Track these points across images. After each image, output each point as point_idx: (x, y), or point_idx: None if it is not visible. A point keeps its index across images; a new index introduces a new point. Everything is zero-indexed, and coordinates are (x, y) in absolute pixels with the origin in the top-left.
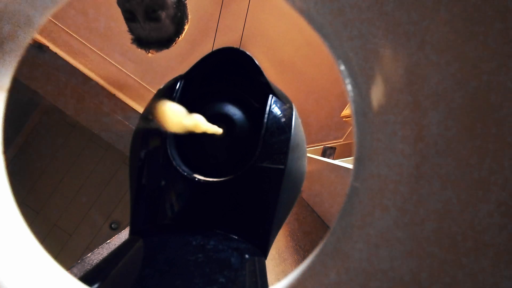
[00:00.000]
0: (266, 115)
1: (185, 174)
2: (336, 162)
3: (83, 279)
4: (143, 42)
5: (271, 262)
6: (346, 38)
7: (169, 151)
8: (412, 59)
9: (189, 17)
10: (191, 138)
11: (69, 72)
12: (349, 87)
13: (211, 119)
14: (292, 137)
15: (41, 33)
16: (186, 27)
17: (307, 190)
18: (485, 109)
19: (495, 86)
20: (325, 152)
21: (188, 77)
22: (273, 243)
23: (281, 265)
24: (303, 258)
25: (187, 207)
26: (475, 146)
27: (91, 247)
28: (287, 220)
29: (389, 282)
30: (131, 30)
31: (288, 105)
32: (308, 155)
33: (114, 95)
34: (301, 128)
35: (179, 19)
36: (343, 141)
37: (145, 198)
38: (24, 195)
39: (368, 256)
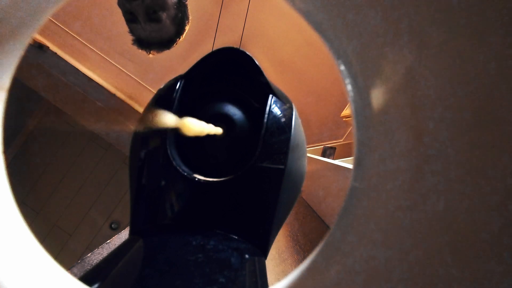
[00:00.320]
0: (266, 115)
1: (185, 174)
2: (336, 162)
3: (83, 279)
4: (144, 43)
5: (271, 262)
6: (346, 38)
7: (169, 151)
8: (412, 59)
9: (190, 17)
10: (191, 138)
11: (69, 72)
12: (349, 87)
13: (211, 119)
14: (292, 137)
15: (41, 33)
16: (186, 28)
17: (307, 190)
18: (486, 109)
19: (496, 86)
20: (325, 152)
21: (188, 77)
22: (273, 243)
23: (281, 265)
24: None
25: (187, 207)
26: (476, 146)
27: (91, 247)
28: (287, 220)
29: (389, 282)
30: (131, 31)
31: (288, 105)
32: (308, 155)
33: (114, 95)
34: (301, 128)
35: (180, 20)
36: (343, 141)
37: (145, 198)
38: (24, 195)
39: (368, 256)
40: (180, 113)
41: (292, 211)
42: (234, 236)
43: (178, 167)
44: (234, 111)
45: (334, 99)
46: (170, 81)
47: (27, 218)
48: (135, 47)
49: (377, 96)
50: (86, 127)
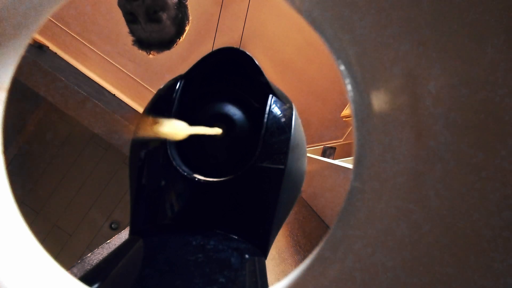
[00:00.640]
0: (266, 115)
1: (185, 174)
2: (336, 162)
3: (83, 279)
4: (144, 43)
5: (271, 262)
6: (346, 38)
7: (169, 151)
8: (412, 59)
9: (190, 18)
10: (191, 138)
11: (69, 72)
12: (349, 87)
13: (211, 119)
14: (292, 137)
15: (41, 33)
16: (187, 28)
17: (307, 190)
18: (486, 109)
19: (496, 86)
20: (325, 152)
21: (188, 77)
22: (273, 243)
23: (281, 265)
24: (303, 258)
25: (187, 207)
26: (476, 146)
27: (91, 247)
28: (287, 220)
29: (390, 282)
30: (132, 32)
31: (288, 105)
32: (308, 155)
33: (114, 95)
34: (301, 128)
35: (180, 20)
36: (343, 141)
37: (145, 198)
38: (24, 195)
39: (368, 256)
40: (180, 114)
41: (292, 211)
42: (234, 236)
43: (178, 167)
44: (234, 111)
45: (334, 99)
46: (170, 81)
47: (27, 218)
48: (135, 47)
49: (377, 96)
50: (86, 127)
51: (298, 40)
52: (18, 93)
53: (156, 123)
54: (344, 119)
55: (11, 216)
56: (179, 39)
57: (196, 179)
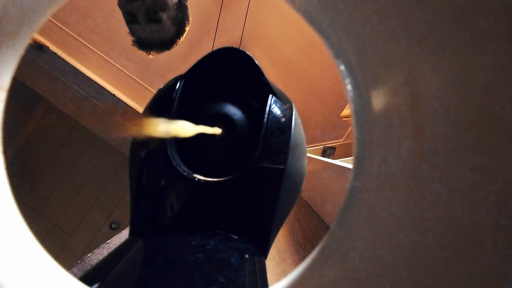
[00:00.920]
0: (266, 115)
1: (185, 174)
2: (336, 162)
3: (83, 279)
4: (144, 43)
5: (271, 262)
6: (346, 38)
7: (169, 151)
8: (412, 59)
9: (190, 18)
10: (191, 138)
11: (69, 72)
12: (349, 87)
13: (211, 119)
14: (292, 137)
15: (41, 33)
16: (187, 28)
17: (307, 190)
18: (486, 109)
19: (496, 86)
20: (325, 152)
21: (188, 77)
22: (273, 243)
23: (281, 265)
24: (303, 258)
25: (187, 207)
26: (476, 146)
27: (91, 247)
28: (287, 220)
29: (390, 282)
30: (132, 32)
31: (288, 105)
32: (308, 155)
33: (114, 95)
34: (301, 128)
35: (180, 21)
36: (343, 141)
37: (145, 198)
38: (24, 195)
39: (368, 256)
40: (180, 113)
41: (292, 211)
42: (234, 236)
43: (178, 167)
44: (234, 111)
45: (334, 99)
46: (170, 81)
47: (27, 218)
48: (135, 47)
49: (377, 96)
50: (86, 127)
51: (298, 40)
52: (18, 93)
53: (156, 122)
54: (344, 119)
55: (11, 216)
56: (179, 39)
57: (196, 179)
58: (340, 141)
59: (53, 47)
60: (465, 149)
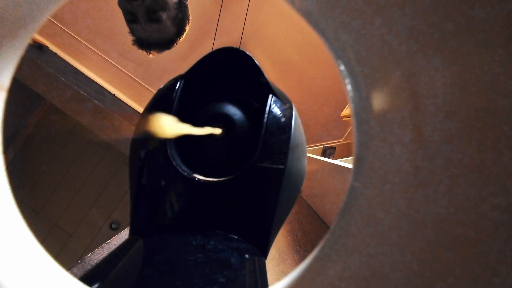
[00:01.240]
0: (266, 115)
1: (185, 174)
2: (336, 162)
3: (83, 279)
4: (144, 43)
5: (271, 262)
6: (346, 38)
7: (169, 151)
8: (412, 59)
9: (190, 17)
10: (191, 138)
11: (69, 72)
12: (349, 87)
13: (211, 119)
14: (292, 137)
15: (41, 33)
16: (187, 28)
17: (307, 190)
18: (486, 109)
19: (496, 86)
20: (325, 152)
21: (188, 77)
22: (273, 243)
23: (281, 265)
24: (303, 258)
25: (187, 207)
26: (475, 146)
27: (91, 247)
28: (287, 220)
29: (389, 282)
30: (132, 32)
31: (288, 105)
32: (308, 155)
33: (114, 95)
34: (301, 128)
35: (180, 20)
36: (343, 141)
37: (145, 198)
38: (24, 195)
39: (368, 256)
40: (180, 113)
41: (292, 211)
42: (234, 236)
43: (178, 167)
44: (234, 111)
45: (334, 99)
46: (170, 81)
47: (27, 218)
48: (135, 47)
49: (377, 96)
50: (86, 127)
51: (298, 40)
52: (18, 93)
53: (156, 121)
54: (344, 119)
55: (11, 216)
56: (179, 39)
57: (196, 179)
58: (340, 141)
59: (53, 47)
60: (465, 149)
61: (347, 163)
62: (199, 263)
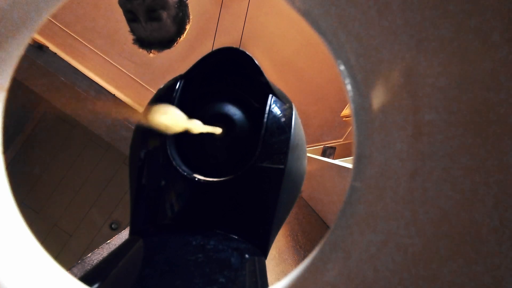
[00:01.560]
0: (266, 115)
1: (185, 174)
2: (336, 162)
3: (83, 279)
4: (145, 42)
5: (271, 262)
6: (346, 38)
7: (169, 151)
8: (412, 59)
9: (191, 17)
10: (191, 138)
11: (69, 72)
12: (348, 87)
13: (211, 119)
14: (292, 137)
15: (41, 33)
16: (187, 27)
17: (307, 190)
18: (486, 110)
19: (496, 86)
20: (325, 152)
21: (188, 77)
22: (273, 243)
23: (281, 265)
24: (303, 258)
25: (187, 207)
26: (475, 147)
27: (91, 247)
28: (287, 220)
29: (389, 283)
30: (132, 31)
31: (288, 105)
32: (308, 155)
33: (114, 95)
34: (301, 128)
35: (181, 19)
36: (343, 141)
37: (145, 198)
38: (24, 195)
39: (368, 256)
40: None
41: (292, 211)
42: (234, 236)
43: (178, 167)
44: (234, 111)
45: (334, 99)
46: (170, 81)
47: (27, 218)
48: (135, 47)
49: (377, 96)
50: (86, 127)
51: (298, 40)
52: (18, 93)
53: (157, 111)
54: (344, 119)
55: (11, 216)
56: (180, 38)
57: (196, 179)
58: (340, 141)
59: (53, 47)
60: (465, 149)
61: (347, 163)
62: (199, 263)
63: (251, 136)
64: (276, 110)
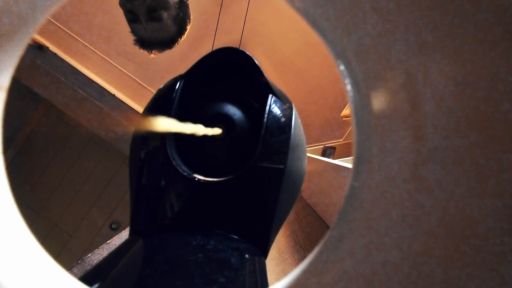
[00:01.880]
0: (266, 115)
1: (185, 174)
2: (336, 161)
3: (83, 279)
4: (146, 43)
5: (271, 262)
6: (346, 38)
7: (169, 151)
8: (412, 59)
9: (191, 17)
10: (191, 138)
11: (69, 72)
12: (348, 87)
13: (211, 119)
14: (292, 137)
15: (41, 33)
16: (188, 27)
17: (307, 190)
18: (486, 110)
19: (497, 87)
20: (325, 152)
21: (188, 77)
22: (273, 243)
23: (281, 265)
24: (303, 258)
25: (187, 207)
26: (476, 145)
27: (91, 248)
28: (287, 220)
29: (389, 282)
30: (133, 31)
31: (288, 105)
32: (308, 155)
33: (114, 95)
34: (301, 128)
35: (181, 19)
36: (343, 140)
37: (145, 198)
38: (24, 195)
39: (368, 255)
40: (180, 113)
41: (292, 211)
42: (234, 236)
43: (178, 167)
44: (234, 111)
45: (334, 99)
46: (169, 81)
47: (27, 218)
48: (135, 47)
49: (377, 96)
50: (86, 127)
51: (298, 40)
52: (18, 93)
53: (156, 121)
54: (344, 119)
55: (11, 216)
56: (181, 38)
57: (196, 179)
58: (340, 141)
59: (53, 47)
60: (465, 149)
61: (347, 163)
62: (199, 263)
63: (251, 136)
64: (276, 110)
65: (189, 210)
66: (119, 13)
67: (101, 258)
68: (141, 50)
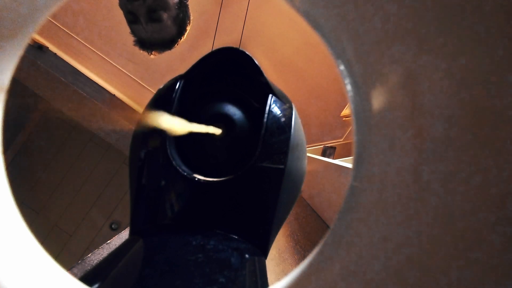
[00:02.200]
0: (266, 115)
1: (185, 174)
2: (336, 161)
3: (83, 279)
4: (146, 43)
5: (271, 262)
6: (346, 38)
7: (169, 151)
8: (412, 59)
9: (191, 17)
10: (191, 138)
11: (69, 72)
12: (348, 87)
13: (211, 119)
14: (292, 137)
15: (41, 33)
16: (188, 28)
17: (307, 190)
18: (487, 108)
19: (496, 86)
20: (325, 152)
21: (188, 77)
22: (273, 243)
23: (281, 265)
24: (303, 258)
25: (187, 207)
26: (477, 146)
27: (91, 248)
28: (287, 220)
29: (389, 283)
30: (133, 32)
31: (288, 105)
32: (308, 155)
33: (114, 95)
34: (301, 128)
35: (181, 20)
36: (343, 140)
37: (145, 198)
38: (24, 195)
39: (368, 255)
40: (180, 113)
41: (292, 211)
42: (234, 236)
43: (178, 167)
44: (234, 111)
45: (334, 99)
46: (170, 81)
47: (27, 218)
48: (135, 47)
49: (377, 96)
50: (86, 127)
51: (298, 40)
52: (18, 93)
53: (157, 117)
54: (344, 119)
55: (11, 216)
56: (181, 38)
57: (196, 179)
58: (340, 141)
59: (53, 47)
60: (466, 149)
61: (347, 163)
62: (199, 263)
63: (251, 136)
64: (276, 110)
65: (189, 210)
66: (119, 14)
67: (101, 258)
68: (141, 51)
